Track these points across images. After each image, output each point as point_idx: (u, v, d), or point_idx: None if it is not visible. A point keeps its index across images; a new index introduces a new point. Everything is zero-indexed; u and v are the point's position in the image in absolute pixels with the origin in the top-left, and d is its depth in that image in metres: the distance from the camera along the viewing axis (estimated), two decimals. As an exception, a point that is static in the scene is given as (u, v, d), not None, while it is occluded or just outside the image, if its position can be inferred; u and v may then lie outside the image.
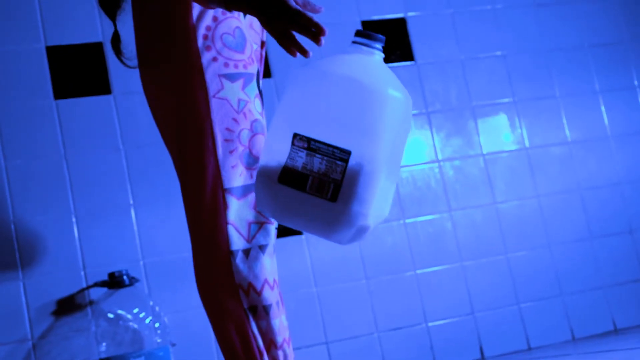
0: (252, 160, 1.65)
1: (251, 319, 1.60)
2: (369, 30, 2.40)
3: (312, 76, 1.44)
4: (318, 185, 1.37)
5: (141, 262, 2.19)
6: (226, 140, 1.63)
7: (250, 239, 1.62)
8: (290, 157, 1.40)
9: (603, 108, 2.69)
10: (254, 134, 1.66)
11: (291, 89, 1.46)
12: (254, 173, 1.65)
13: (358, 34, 1.47)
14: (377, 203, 1.39)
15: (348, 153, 1.36)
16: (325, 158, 1.38)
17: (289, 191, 1.39)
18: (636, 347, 1.84)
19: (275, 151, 1.43)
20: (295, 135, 1.40)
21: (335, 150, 1.37)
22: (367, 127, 1.37)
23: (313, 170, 1.38)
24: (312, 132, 1.39)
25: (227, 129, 1.63)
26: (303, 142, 1.39)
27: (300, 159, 1.39)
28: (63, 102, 2.23)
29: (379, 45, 1.46)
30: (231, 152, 1.63)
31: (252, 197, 1.64)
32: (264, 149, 1.48)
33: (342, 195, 1.36)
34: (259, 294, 1.61)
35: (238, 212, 1.62)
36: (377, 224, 1.42)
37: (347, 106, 1.39)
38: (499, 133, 2.58)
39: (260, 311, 1.60)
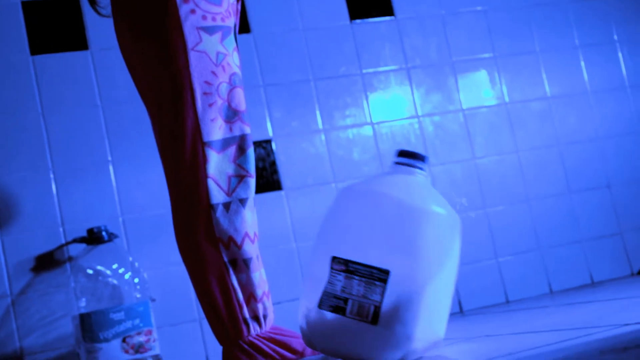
0: (231, 113, 1.64)
1: (231, 272, 1.60)
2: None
3: (352, 197, 1.38)
4: (358, 309, 1.31)
5: (120, 219, 2.18)
6: (205, 93, 1.62)
7: (230, 192, 1.62)
8: (329, 282, 1.34)
9: (583, 63, 2.69)
10: (232, 87, 1.65)
11: (331, 211, 1.40)
12: (234, 126, 1.64)
13: (401, 154, 1.41)
14: (424, 324, 1.31)
15: (386, 273, 1.30)
16: (364, 279, 1.31)
17: (329, 317, 1.33)
18: (613, 298, 1.86)
19: (316, 277, 1.37)
20: (333, 259, 1.35)
21: (373, 271, 1.31)
22: (407, 246, 1.31)
23: (352, 293, 1.31)
24: (350, 254, 1.33)
25: (206, 82, 1.62)
26: (341, 265, 1.33)
27: (339, 282, 1.33)
28: (39, 58, 2.20)
29: (420, 165, 1.40)
30: (210, 105, 1.62)
31: (231, 150, 1.63)
32: (306, 277, 1.39)
33: (383, 318, 1.29)
34: (239, 247, 1.61)
35: (218, 165, 1.61)
36: (429, 347, 1.34)
37: (386, 225, 1.33)
38: (478, 88, 2.58)
39: (241, 264, 1.61)
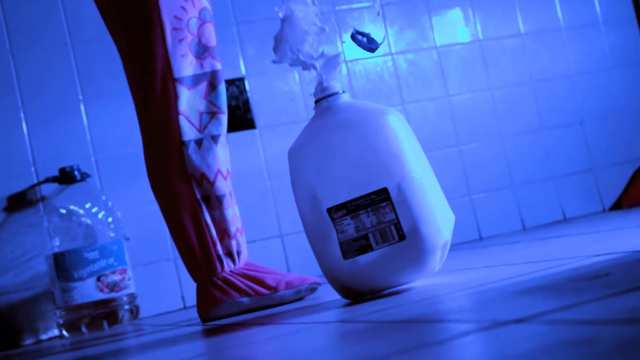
0: (201, 49, 1.62)
1: (204, 208, 1.60)
2: None
3: (303, 151, 1.37)
4: (382, 236, 1.31)
5: (92, 158, 2.17)
6: (175, 29, 1.60)
7: (202, 129, 1.61)
8: (339, 232, 1.33)
9: (556, 0, 2.68)
10: (202, 22, 1.63)
11: (294, 174, 1.38)
12: (204, 62, 1.63)
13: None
14: (439, 213, 1.34)
15: (385, 190, 1.31)
16: (369, 209, 1.31)
17: (361, 260, 1.32)
18: (584, 232, 1.88)
19: (321, 239, 1.35)
20: (329, 210, 1.33)
21: (372, 196, 1.31)
22: (381, 155, 1.32)
23: (367, 226, 1.31)
24: (341, 197, 1.33)
25: (176, 17, 1.60)
26: (340, 211, 1.33)
27: (349, 226, 1.32)
28: (6, -5, 2.16)
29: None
30: (180, 40, 1.60)
31: (202, 86, 1.62)
32: (314, 245, 1.37)
33: (407, 229, 1.30)
34: (212, 184, 1.60)
35: (189, 101, 1.60)
36: (451, 232, 1.37)
37: (352, 151, 1.33)
38: (452, 25, 2.56)
39: (214, 201, 1.60)
